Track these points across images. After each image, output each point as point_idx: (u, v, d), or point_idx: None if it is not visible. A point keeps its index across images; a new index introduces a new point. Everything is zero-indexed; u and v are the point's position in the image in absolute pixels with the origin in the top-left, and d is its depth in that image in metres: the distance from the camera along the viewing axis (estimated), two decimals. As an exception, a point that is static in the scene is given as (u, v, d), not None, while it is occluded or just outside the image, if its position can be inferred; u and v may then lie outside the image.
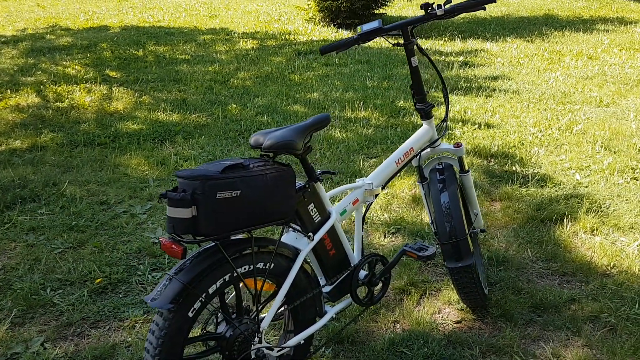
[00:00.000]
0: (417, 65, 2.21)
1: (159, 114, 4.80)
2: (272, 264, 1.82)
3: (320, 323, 1.98)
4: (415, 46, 2.20)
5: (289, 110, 4.95)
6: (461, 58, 6.95)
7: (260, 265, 1.80)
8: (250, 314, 1.85)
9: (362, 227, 2.15)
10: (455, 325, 2.38)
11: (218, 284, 1.71)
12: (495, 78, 6.10)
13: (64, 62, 6.34)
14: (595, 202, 3.35)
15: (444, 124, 2.36)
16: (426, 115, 2.27)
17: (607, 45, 7.75)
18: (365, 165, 3.84)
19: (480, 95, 5.41)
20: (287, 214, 1.80)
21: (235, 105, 5.04)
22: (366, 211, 2.17)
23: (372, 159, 3.99)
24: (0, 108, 4.85)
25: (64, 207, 3.25)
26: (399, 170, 2.24)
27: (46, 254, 2.81)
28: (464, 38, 8.26)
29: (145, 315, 2.41)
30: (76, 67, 6.15)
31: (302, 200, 1.90)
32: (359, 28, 2.14)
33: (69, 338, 2.29)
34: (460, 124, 4.64)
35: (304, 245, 1.91)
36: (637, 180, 3.66)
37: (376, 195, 2.16)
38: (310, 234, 1.92)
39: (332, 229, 2.00)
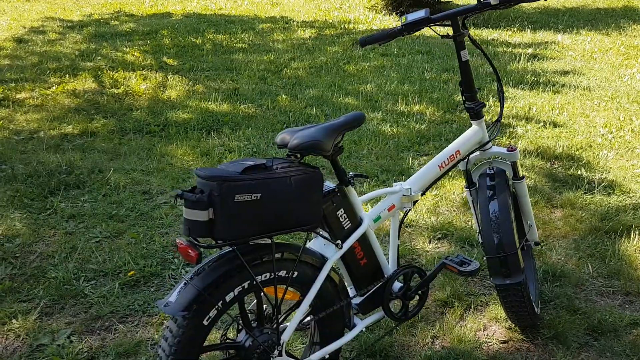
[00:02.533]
0: (468, 60, 2.01)
1: (209, 103, 4.76)
2: (296, 272, 1.69)
3: (348, 337, 1.84)
4: (467, 38, 2.00)
5: (339, 102, 4.80)
6: (530, 50, 6.55)
7: (282, 273, 1.67)
8: (273, 325, 1.74)
9: (398, 236, 1.98)
10: (501, 345, 2.18)
11: (236, 291, 1.60)
12: (566, 73, 5.70)
13: (124, 49, 6.42)
14: (669, 213, 3.03)
15: (497, 125, 2.15)
16: (476, 115, 2.07)
17: (693, 39, 7.13)
18: (414, 164, 3.64)
19: (547, 91, 5.06)
20: (312, 220, 1.66)
21: (285, 96, 4.93)
22: (403, 218, 2.00)
23: (423, 156, 3.78)
24: (58, 92, 4.94)
25: (106, 195, 3.24)
26: (442, 175, 2.05)
27: (83, 242, 2.80)
28: (535, 29, 7.80)
29: (174, 313, 2.34)
30: (135, 53, 6.22)
31: (330, 205, 1.76)
32: (403, 18, 1.96)
33: (96, 332, 2.25)
34: (523, 121, 4.34)
35: (332, 254, 1.77)
36: None
37: (415, 202, 1.98)
38: (339, 241, 1.77)
39: (364, 236, 1.85)
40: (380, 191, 1.97)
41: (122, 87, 5.14)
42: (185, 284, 1.57)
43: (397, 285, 1.94)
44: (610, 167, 3.59)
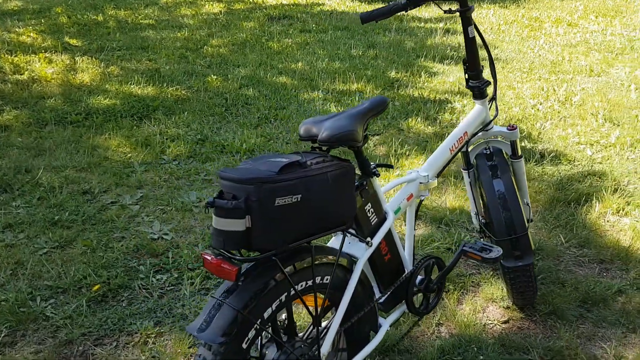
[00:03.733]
0: (475, 37, 1.94)
1: (131, 86, 4.36)
2: (329, 277, 1.55)
3: (377, 340, 1.73)
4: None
5: (275, 82, 4.60)
6: (441, 24, 6.69)
7: (318, 279, 1.53)
8: (305, 336, 1.59)
9: (415, 226, 1.90)
10: (504, 325, 2.18)
11: (274, 306, 1.43)
12: (481, 47, 5.87)
13: (17, 29, 5.72)
14: (615, 180, 3.20)
15: (494, 103, 2.11)
16: (480, 94, 2.01)
17: (583, 11, 7.65)
18: (370, 145, 3.57)
19: (471, 65, 5.19)
20: (349, 218, 1.52)
21: (215, 77, 4.64)
22: (419, 207, 1.91)
23: (375, 136, 3.72)
24: (-51, 81, 4.30)
25: (42, 198, 2.85)
26: (453, 158, 1.98)
27: (29, 255, 2.44)
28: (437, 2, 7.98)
29: (158, 328, 2.10)
30: (31, 34, 5.56)
31: (360, 200, 1.63)
32: None
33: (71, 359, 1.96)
34: (458, 96, 4.41)
35: (361, 252, 1.64)
36: (648, 155, 3.54)
37: (431, 189, 1.90)
38: (369, 238, 1.65)
39: (388, 230, 1.74)
40: (398, 180, 1.86)
41: (25, 72, 4.57)
42: (218, 304, 1.38)
43: (418, 278, 1.86)
44: (550, 138, 3.74)
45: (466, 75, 2.01)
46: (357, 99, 4.27)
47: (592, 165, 3.38)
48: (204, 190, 3.03)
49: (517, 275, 2.02)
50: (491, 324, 2.19)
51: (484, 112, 2.04)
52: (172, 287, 2.33)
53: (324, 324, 1.64)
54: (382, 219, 1.70)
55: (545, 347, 2.06)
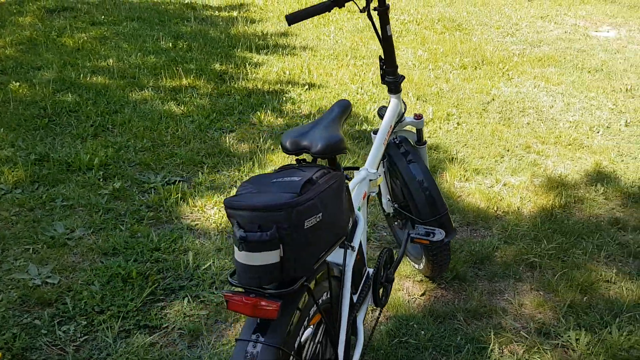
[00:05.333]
0: (392, 35, 2.05)
1: None
2: (329, 289, 1.54)
3: (361, 341, 1.77)
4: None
5: (92, 83, 4.14)
6: (235, 13, 6.70)
7: (326, 295, 1.51)
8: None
9: (365, 222, 1.96)
10: (424, 298, 2.40)
11: (301, 333, 1.38)
12: (285, 35, 6.07)
13: None
14: (447, 152, 3.68)
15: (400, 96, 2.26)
16: (396, 89, 2.14)
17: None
18: (228, 142, 3.48)
19: (285, 54, 5.34)
20: (347, 228, 1.53)
21: (17, 84, 3.99)
22: (367, 203, 1.98)
23: (229, 133, 3.63)
24: None
25: None
26: (384, 150, 2.09)
27: None
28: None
29: (95, 386, 1.82)
30: None
31: (342, 206, 1.63)
32: None
33: None
34: (289, 85, 4.52)
35: (348, 259, 1.66)
36: (460, 124, 4.12)
37: (378, 185, 1.98)
38: (352, 243, 1.67)
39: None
40: (352, 181, 1.90)
41: None
42: (253, 346, 1.28)
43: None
44: (383, 119, 4.10)
45: (382, 71, 2.11)
46: (194, 95, 4.09)
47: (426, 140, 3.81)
48: (69, 218, 2.64)
49: (440, 251, 2.23)
50: (413, 299, 2.39)
51: (399, 105, 2.18)
52: (86, 337, 2.03)
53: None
54: (355, 220, 1.73)
55: (464, 309, 2.33)
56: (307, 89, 4.49)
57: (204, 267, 2.43)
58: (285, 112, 4.00)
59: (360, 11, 1.97)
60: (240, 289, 1.29)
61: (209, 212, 2.83)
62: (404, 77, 2.16)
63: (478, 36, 6.72)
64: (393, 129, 2.16)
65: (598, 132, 4.21)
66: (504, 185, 3.34)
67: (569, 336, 2.21)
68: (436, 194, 2.15)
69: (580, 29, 7.62)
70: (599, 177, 3.52)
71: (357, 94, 4.54)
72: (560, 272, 2.60)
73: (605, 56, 6.28)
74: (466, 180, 3.36)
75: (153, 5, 6.50)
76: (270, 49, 5.40)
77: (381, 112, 2.26)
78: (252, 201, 1.26)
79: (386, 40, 2.04)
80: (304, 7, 1.92)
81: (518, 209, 3.11)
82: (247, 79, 4.54)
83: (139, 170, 3.10)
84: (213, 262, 2.46)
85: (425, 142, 2.37)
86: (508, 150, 3.78)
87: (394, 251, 2.06)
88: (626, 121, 4.46)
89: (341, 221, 1.47)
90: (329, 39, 6.09)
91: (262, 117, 3.84)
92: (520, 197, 3.21)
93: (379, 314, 1.93)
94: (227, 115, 3.84)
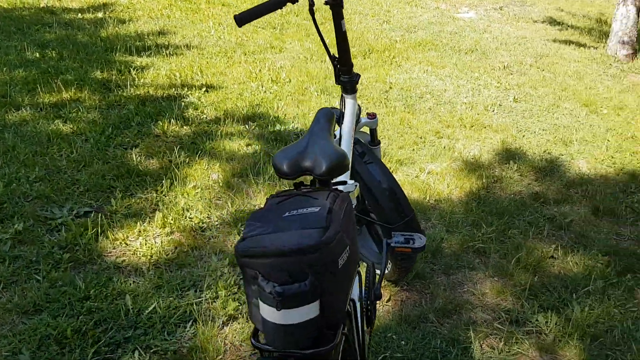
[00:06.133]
0: (346, 31, 1.88)
1: None
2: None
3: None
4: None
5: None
6: (101, 14, 6.11)
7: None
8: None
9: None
10: (391, 304, 2.31)
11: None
12: (163, 33, 5.64)
13: None
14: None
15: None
16: (352, 88, 1.98)
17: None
18: (136, 160, 3.11)
19: (169, 55, 4.94)
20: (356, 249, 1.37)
21: None
22: None
23: (133, 148, 3.25)
24: None
25: None
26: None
27: None
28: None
29: None
30: None
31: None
32: None
33: None
34: (185, 89, 4.18)
35: (358, 286, 1.51)
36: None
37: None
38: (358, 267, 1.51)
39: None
40: None
41: None
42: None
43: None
44: (295, 115, 3.93)
45: (337, 70, 1.95)
46: (81, 109, 3.61)
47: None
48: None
49: (410, 255, 2.14)
50: (381, 307, 2.28)
51: (356, 106, 2.03)
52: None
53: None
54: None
55: (433, 309, 2.27)
56: (205, 92, 4.18)
57: (147, 312, 2.12)
58: (190, 119, 3.68)
59: (310, 6, 1.79)
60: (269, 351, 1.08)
61: (134, 245, 2.49)
62: (360, 76, 2.02)
63: (357, 25, 6.78)
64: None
65: (493, 111, 4.41)
66: (429, 173, 3.36)
67: (537, 320, 2.24)
68: (401, 195, 2.05)
69: (444, 12, 8.01)
70: (509, 155, 3.67)
71: (259, 92, 4.32)
72: (507, 254, 2.64)
73: (476, 36, 6.65)
74: (393, 172, 3.32)
75: (5, 12, 5.71)
76: (151, 50, 4.97)
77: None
78: (274, 244, 1.05)
79: (340, 37, 1.88)
80: (253, 6, 1.70)
81: (448, 196, 3.13)
82: (135, 86, 4.12)
83: (39, 204, 2.65)
84: (157, 304, 2.15)
85: (379, 142, 2.25)
86: (421, 138, 3.81)
87: (376, 265, 1.93)
88: (514, 97, 4.73)
89: (357, 247, 1.30)
90: (210, 35, 5.77)
91: (166, 127, 3.50)
92: (447, 184, 3.23)
93: (370, 335, 1.80)
94: (124, 129, 3.44)
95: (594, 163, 3.67)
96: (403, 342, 2.08)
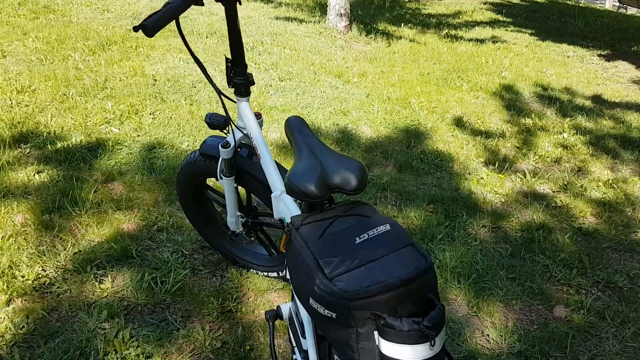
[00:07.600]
0: (240, 30, 1.70)
1: None
2: None
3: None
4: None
5: None
6: None
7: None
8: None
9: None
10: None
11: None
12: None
13: None
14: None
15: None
16: (247, 91, 1.81)
17: None
18: (28, 178, 2.28)
19: None
20: None
21: None
22: None
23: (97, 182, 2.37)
24: None
25: None
26: None
27: None
28: None
29: None
30: None
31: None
32: None
33: None
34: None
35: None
36: (154, 114, 3.77)
37: None
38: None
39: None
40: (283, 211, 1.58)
41: None
42: None
43: None
44: (72, 125, 3.37)
45: (230, 71, 1.75)
46: None
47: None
48: None
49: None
50: (291, 308, 2.20)
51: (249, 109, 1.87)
52: None
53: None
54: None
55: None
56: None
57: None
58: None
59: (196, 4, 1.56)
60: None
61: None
62: (251, 75, 1.85)
63: (77, 16, 6.06)
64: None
65: (269, 93, 4.50)
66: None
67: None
68: None
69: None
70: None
71: (10, 107, 3.56)
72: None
73: (207, 19, 6.60)
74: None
75: None
76: None
77: (212, 120, 1.90)
78: (394, 275, 0.94)
79: (234, 37, 1.69)
80: (154, 11, 1.39)
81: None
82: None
83: None
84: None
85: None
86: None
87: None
88: (279, 77, 4.90)
89: None
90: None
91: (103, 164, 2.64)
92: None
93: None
94: (58, 165, 2.48)
95: (375, 127, 4.08)
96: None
